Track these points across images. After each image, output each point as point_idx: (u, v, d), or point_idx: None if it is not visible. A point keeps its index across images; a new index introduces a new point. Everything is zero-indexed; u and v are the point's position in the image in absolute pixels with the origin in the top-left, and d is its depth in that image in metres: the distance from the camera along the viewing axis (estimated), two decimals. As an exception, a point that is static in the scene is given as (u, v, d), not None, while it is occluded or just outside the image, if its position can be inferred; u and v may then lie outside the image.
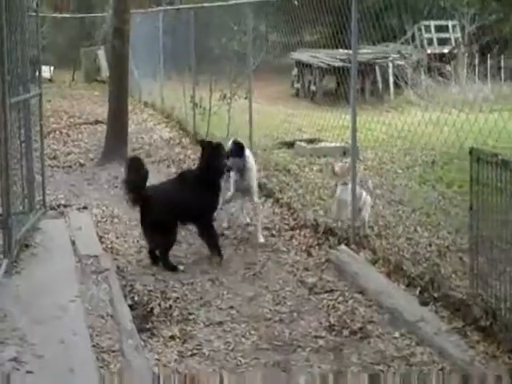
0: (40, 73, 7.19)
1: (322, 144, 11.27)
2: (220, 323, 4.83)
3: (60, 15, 24.41)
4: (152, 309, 5.10)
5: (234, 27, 11.13)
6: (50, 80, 22.75)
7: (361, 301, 5.20)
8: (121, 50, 10.51)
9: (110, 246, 6.45)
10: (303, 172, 9.78)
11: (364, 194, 6.66)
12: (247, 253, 6.39)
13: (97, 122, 13.55)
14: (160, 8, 17.51)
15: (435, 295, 4.97)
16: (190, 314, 5.01)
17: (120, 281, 5.48)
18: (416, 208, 7.93)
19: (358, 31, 6.18)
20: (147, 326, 4.82)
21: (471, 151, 4.77)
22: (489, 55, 19.63)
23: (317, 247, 6.45)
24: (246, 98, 10.41)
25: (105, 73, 20.93)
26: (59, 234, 6.34)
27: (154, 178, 9.58)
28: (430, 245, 6.66)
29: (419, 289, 5.14)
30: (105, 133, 10.88)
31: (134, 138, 12.21)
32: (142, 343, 4.36)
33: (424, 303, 4.91)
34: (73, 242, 6.19)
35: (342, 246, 6.10)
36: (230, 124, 10.83)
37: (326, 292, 5.41)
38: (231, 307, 5.12)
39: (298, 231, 6.98)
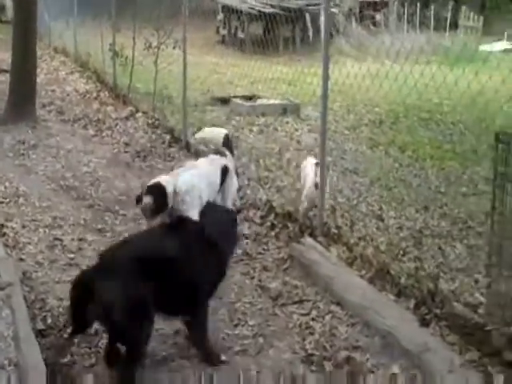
0: None
1: (261, 101, 10.09)
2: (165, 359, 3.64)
3: None
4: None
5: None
6: None
7: (340, 317, 4.11)
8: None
9: (14, 239, 5.08)
10: (242, 135, 8.59)
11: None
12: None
13: (0, 70, 11.76)
14: None
15: (436, 311, 3.95)
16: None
17: (28, 294, 4.18)
18: (374, 179, 6.99)
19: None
20: (65, 361, 3.59)
21: (497, 136, 3.67)
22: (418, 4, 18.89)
23: (274, 237, 5.31)
24: (174, 48, 9.07)
25: (10, 12, 18.68)
26: None
27: (69, 142, 8.22)
28: (401, 228, 5.72)
29: (414, 301, 4.10)
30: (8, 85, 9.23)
31: (43, 90, 10.60)
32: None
33: (424, 323, 3.87)
34: (-37, 240, 4.80)
35: (307, 239, 4.96)
36: (158, 77, 9.41)
37: (295, 303, 4.30)
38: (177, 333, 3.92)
39: (245, 213, 5.80)
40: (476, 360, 3.52)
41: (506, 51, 15.24)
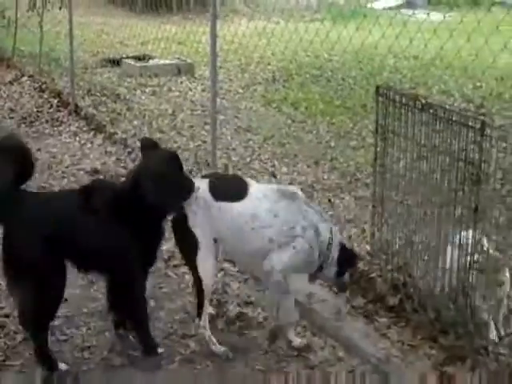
0: None
1: (153, 61, 9.88)
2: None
3: None
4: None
5: None
6: None
7: (233, 273, 4.16)
8: None
9: None
10: (135, 97, 8.41)
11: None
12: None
13: None
14: None
15: (324, 262, 4.04)
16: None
17: None
18: (267, 136, 7.05)
19: None
20: None
21: (377, 89, 3.75)
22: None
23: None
24: (60, 8, 8.76)
25: None
26: None
27: None
28: (292, 183, 5.81)
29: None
30: None
31: None
32: None
33: (313, 275, 3.96)
34: None
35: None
36: (43, 39, 9.02)
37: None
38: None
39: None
40: (361, 306, 3.65)
41: (387, 9, 15.56)
